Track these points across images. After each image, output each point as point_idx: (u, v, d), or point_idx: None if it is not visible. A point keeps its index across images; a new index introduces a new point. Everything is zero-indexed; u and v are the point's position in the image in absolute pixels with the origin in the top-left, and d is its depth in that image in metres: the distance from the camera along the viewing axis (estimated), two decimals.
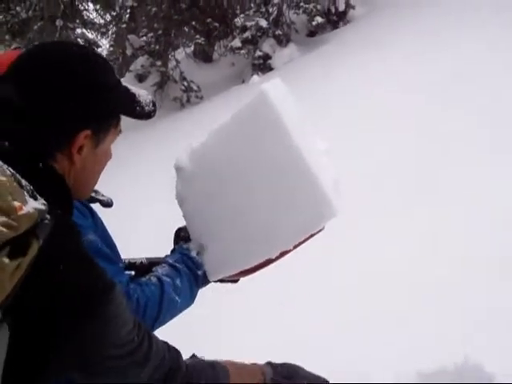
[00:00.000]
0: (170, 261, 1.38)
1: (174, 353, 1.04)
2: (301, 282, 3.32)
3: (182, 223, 1.50)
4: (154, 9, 11.27)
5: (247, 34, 10.17)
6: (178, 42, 12.53)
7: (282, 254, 1.34)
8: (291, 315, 3.17)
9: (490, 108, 4.64)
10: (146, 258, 1.44)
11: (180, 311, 1.35)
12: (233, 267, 1.39)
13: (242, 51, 10.50)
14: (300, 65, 8.66)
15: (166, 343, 1.03)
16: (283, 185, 1.28)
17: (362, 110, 5.47)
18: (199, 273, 1.38)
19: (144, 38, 11.56)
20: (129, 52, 11.94)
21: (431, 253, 3.36)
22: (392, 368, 2.53)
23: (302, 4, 10.06)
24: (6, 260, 0.71)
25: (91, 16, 14.23)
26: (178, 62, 11.41)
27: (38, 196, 0.79)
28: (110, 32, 15.89)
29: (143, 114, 1.07)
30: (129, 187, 5.62)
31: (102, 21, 14.91)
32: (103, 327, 0.84)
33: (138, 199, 5.40)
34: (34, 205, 0.76)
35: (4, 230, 0.71)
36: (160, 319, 1.27)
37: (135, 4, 11.54)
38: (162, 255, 1.47)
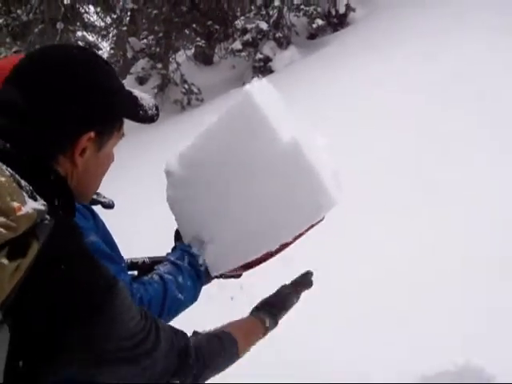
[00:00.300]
0: (172, 258, 1.38)
1: (181, 334, 1.05)
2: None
3: None
4: (154, 11, 11.28)
5: (248, 37, 10.18)
6: (178, 44, 12.56)
7: (283, 247, 1.35)
8: (289, 314, 3.18)
9: (490, 108, 4.65)
10: (149, 258, 1.45)
11: (184, 308, 1.35)
12: (234, 261, 1.39)
13: (243, 54, 10.51)
14: (301, 67, 8.67)
15: (171, 327, 1.04)
16: (279, 178, 1.30)
17: (363, 111, 5.48)
18: (201, 269, 1.39)
19: (145, 40, 11.58)
20: (129, 55, 11.95)
21: (431, 251, 3.36)
22: (392, 368, 2.54)
23: (302, 6, 10.07)
24: (6, 261, 0.71)
25: (92, 19, 14.26)
26: (178, 64, 11.42)
27: (37, 197, 0.79)
28: (110, 35, 15.92)
29: (146, 117, 1.08)
30: (130, 188, 5.63)
31: (102, 23, 14.92)
32: (110, 324, 0.85)
33: (139, 200, 5.41)
34: (33, 205, 0.75)
35: (3, 230, 0.70)
36: (164, 317, 1.27)
37: (136, 7, 11.55)
38: (164, 254, 1.48)
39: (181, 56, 12.54)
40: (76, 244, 0.86)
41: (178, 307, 1.33)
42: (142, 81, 12.07)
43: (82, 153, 0.96)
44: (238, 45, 10.42)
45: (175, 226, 1.52)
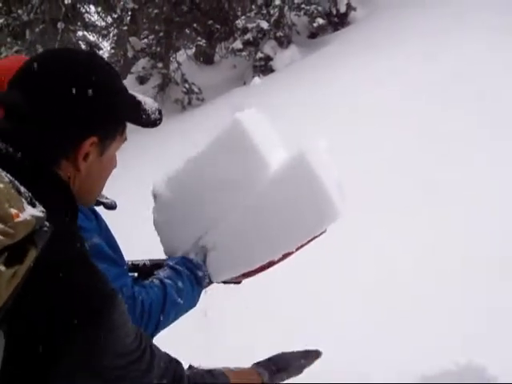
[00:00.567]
0: (171, 263, 1.39)
1: (175, 363, 1.05)
2: (299, 279, 3.32)
3: None
4: (155, 11, 11.29)
5: (248, 36, 10.18)
6: (179, 44, 12.56)
7: (285, 256, 1.38)
8: (290, 313, 3.18)
9: (490, 108, 4.65)
10: (149, 260, 1.46)
11: (183, 313, 1.36)
12: (236, 270, 1.42)
13: (243, 53, 10.50)
14: (301, 66, 8.67)
15: (167, 354, 1.04)
16: (284, 191, 1.33)
17: (364, 110, 5.48)
18: (200, 274, 1.39)
19: (145, 40, 11.60)
20: (130, 54, 11.94)
21: (431, 251, 3.36)
22: (393, 368, 2.53)
23: (303, 6, 10.06)
24: (3, 268, 0.70)
25: (92, 18, 14.24)
26: (179, 64, 11.41)
27: (36, 203, 0.78)
28: (111, 34, 15.95)
29: (149, 121, 1.08)
30: (130, 189, 5.62)
31: (103, 23, 14.94)
32: (108, 333, 0.84)
33: (139, 200, 5.41)
34: (31, 212, 0.75)
35: (0, 237, 0.70)
36: (163, 321, 1.28)
37: (136, 6, 11.54)
38: (165, 257, 1.49)
39: (181, 55, 12.54)
40: (75, 250, 0.85)
41: (178, 312, 1.33)
42: (142, 80, 12.08)
43: (86, 157, 0.96)
44: (238, 44, 10.42)
45: None
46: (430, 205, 3.79)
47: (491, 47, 5.63)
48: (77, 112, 0.94)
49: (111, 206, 1.46)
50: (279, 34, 10.04)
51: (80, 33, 12.65)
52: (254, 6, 10.69)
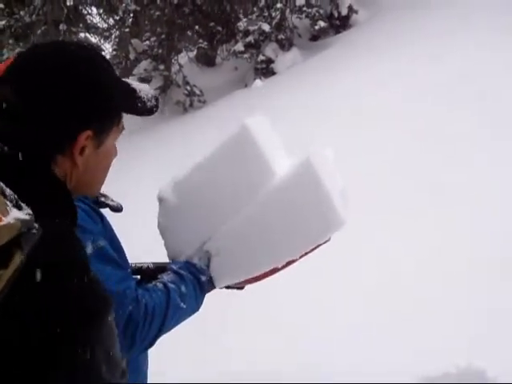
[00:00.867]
0: (175, 268, 1.38)
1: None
2: (302, 282, 3.31)
3: None
4: (157, 13, 11.29)
5: (250, 39, 10.18)
6: (180, 46, 12.55)
7: (289, 264, 1.38)
8: (292, 317, 3.17)
9: (493, 109, 4.64)
10: (153, 263, 1.45)
11: (186, 317, 1.36)
12: (239, 276, 1.42)
13: (245, 55, 10.50)
14: (303, 69, 8.67)
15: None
16: (287, 199, 1.34)
17: (367, 112, 5.47)
18: (203, 279, 1.39)
19: (147, 42, 11.58)
20: (132, 56, 11.96)
21: (437, 253, 3.35)
22: (394, 370, 2.53)
23: (304, 8, 10.06)
24: None
25: (94, 20, 14.26)
26: (180, 66, 11.42)
27: (23, 205, 0.75)
28: (113, 36, 15.94)
29: (145, 109, 1.05)
30: (132, 190, 5.62)
31: (105, 25, 14.95)
32: (100, 341, 0.79)
33: (140, 202, 5.40)
34: (16, 215, 0.71)
35: None
36: (166, 325, 1.27)
37: (138, 8, 11.56)
38: (167, 259, 1.48)
39: (183, 57, 12.55)
40: (65, 254, 0.81)
41: (180, 316, 1.33)
42: (144, 82, 12.07)
43: (82, 152, 0.94)
44: (240, 46, 10.42)
45: None
46: (436, 206, 3.77)
47: (497, 48, 5.62)
48: (69, 105, 0.91)
49: (117, 209, 1.44)
50: (281, 36, 10.04)
51: (82, 34, 12.68)
52: (255, 9, 10.69)
